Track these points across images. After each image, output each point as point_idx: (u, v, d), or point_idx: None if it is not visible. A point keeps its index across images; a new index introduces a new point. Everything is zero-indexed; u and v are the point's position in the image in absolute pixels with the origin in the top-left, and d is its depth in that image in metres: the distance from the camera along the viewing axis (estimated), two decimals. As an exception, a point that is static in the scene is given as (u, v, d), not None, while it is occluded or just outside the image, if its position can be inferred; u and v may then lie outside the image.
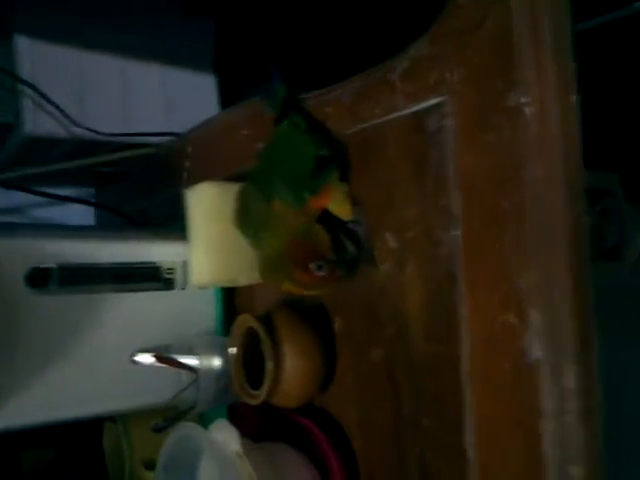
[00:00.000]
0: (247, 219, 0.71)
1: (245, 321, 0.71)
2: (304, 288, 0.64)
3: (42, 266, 0.81)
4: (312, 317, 0.71)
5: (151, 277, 0.89)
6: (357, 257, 0.66)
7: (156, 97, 1.17)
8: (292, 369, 0.67)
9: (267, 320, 0.70)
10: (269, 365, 0.67)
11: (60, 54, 1.09)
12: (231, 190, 0.81)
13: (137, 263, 0.88)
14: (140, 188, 1.23)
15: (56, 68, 1.08)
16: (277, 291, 0.80)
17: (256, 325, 0.69)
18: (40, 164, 1.14)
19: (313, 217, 0.65)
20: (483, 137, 0.53)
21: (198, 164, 0.98)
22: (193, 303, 0.90)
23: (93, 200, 1.44)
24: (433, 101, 0.57)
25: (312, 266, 0.62)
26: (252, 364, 0.73)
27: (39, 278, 0.81)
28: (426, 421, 0.60)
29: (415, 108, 0.59)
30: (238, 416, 0.80)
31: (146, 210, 1.15)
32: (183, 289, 0.89)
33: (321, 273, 0.62)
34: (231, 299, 0.91)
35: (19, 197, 1.33)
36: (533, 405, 0.49)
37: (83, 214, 1.39)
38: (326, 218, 0.66)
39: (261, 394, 0.68)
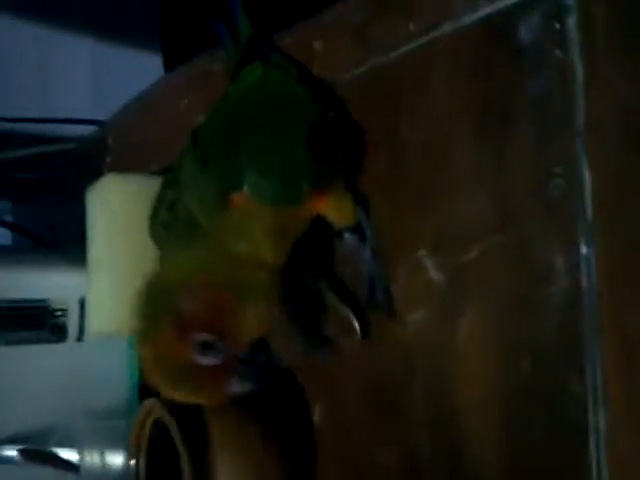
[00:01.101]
0: (172, 221, 0.38)
1: (150, 410, 0.40)
2: (161, 380, 0.33)
3: None
4: (273, 400, 0.40)
5: (34, 322, 0.58)
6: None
7: (83, 78, 0.88)
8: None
9: (191, 408, 0.38)
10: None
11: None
12: (153, 185, 0.51)
13: (12, 301, 0.57)
14: (57, 198, 0.92)
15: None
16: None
17: (168, 419, 0.37)
18: None
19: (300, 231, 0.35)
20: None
21: (122, 158, 0.70)
22: (95, 362, 0.60)
23: (10, 217, 1.14)
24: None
25: (198, 340, 0.32)
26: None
27: None
28: None
29: (491, 8, 0.30)
30: None
31: (58, 227, 0.85)
32: (79, 340, 0.58)
33: (207, 359, 0.32)
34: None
35: None
36: None
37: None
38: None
39: None
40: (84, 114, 0.88)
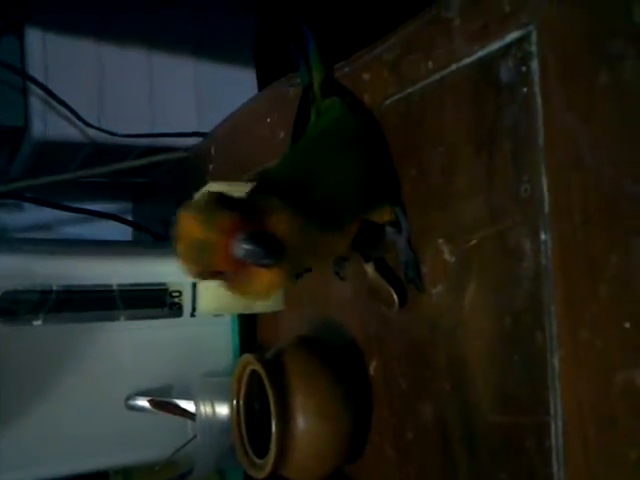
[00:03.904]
0: None
1: (247, 363, 0.52)
2: (197, 270, 0.40)
3: (19, 289, 0.66)
4: (338, 359, 0.52)
5: (155, 301, 0.72)
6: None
7: (187, 95, 1.02)
8: (307, 432, 0.48)
9: (276, 362, 0.51)
10: (275, 426, 0.48)
11: (76, 47, 0.95)
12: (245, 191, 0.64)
13: (136, 285, 0.71)
14: (171, 199, 1.08)
15: (71, 63, 0.95)
16: (306, 322, 0.61)
17: (260, 369, 0.50)
18: (60, 173, 1.02)
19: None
20: (595, 80, 0.33)
21: (221, 167, 0.82)
22: (205, 334, 0.73)
23: (130, 216, 1.31)
24: (509, 37, 0.38)
25: (240, 236, 0.37)
26: (263, 421, 0.54)
27: (14, 305, 0.66)
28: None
29: (481, 52, 0.40)
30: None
31: (170, 223, 0.99)
32: (193, 316, 0.72)
33: (241, 253, 0.37)
34: (252, 330, 0.73)
35: (50, 213, 1.22)
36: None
37: (120, 231, 1.26)
38: None
39: (265, 465, 0.49)
40: (189, 127, 1.02)
